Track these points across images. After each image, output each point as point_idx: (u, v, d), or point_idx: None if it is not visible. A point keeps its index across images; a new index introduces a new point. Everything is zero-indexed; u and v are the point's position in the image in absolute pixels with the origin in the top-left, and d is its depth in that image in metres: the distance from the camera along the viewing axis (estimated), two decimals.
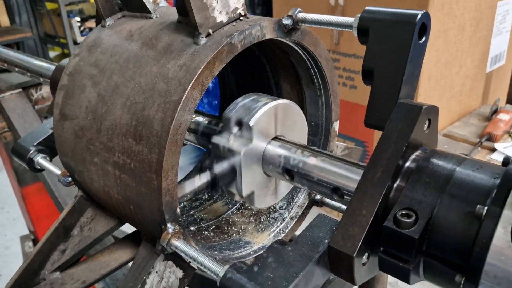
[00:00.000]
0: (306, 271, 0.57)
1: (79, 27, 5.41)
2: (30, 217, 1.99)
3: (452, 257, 0.53)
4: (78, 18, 5.40)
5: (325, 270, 0.60)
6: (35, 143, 1.03)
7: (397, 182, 0.60)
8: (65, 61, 1.25)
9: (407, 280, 0.57)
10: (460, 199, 0.54)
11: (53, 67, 1.33)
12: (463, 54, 2.51)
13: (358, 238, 0.56)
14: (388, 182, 0.59)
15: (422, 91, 2.29)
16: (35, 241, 2.07)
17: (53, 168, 0.97)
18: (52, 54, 6.62)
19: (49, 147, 1.04)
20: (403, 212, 0.56)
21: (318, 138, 0.98)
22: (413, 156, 0.63)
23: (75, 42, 5.32)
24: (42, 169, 1.01)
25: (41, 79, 1.43)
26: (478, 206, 0.51)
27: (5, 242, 3.28)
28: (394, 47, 0.64)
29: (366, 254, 0.58)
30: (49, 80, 1.43)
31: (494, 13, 2.62)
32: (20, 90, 1.78)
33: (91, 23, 5.54)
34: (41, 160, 1.00)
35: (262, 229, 0.97)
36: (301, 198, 0.99)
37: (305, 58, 0.88)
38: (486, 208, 0.50)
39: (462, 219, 0.52)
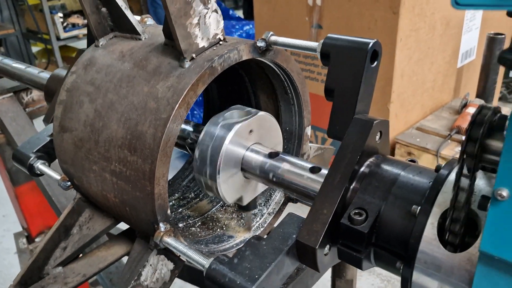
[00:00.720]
0: (277, 261, 0.68)
1: (62, 22, 5.41)
2: (23, 215, 2.07)
3: (395, 247, 0.65)
4: (60, 14, 5.41)
5: (294, 260, 0.71)
6: (34, 150, 1.12)
7: (353, 184, 0.72)
8: (58, 71, 1.34)
9: (360, 267, 0.69)
10: (401, 200, 0.66)
11: (47, 76, 1.42)
12: (434, 51, 2.65)
13: (320, 233, 0.68)
14: (346, 185, 0.70)
15: (396, 88, 2.43)
16: (28, 238, 2.15)
17: (52, 173, 1.06)
18: (34, 49, 6.60)
19: (47, 153, 1.13)
20: (356, 211, 0.67)
21: (292, 142, 1.10)
22: (367, 162, 0.75)
23: (58, 38, 5.33)
24: (41, 174, 1.11)
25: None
26: (413, 206, 0.63)
27: None
28: (350, 70, 0.75)
29: (328, 246, 0.70)
30: (34, 86, 1.52)
31: (464, 11, 2.76)
32: (11, 94, 1.85)
33: (74, 19, 5.55)
34: (40, 166, 1.09)
35: (243, 224, 1.09)
36: (278, 196, 1.10)
37: (278, 72, 0.99)
38: (419, 207, 0.62)
39: (402, 216, 0.64)
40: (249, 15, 5.26)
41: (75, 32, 5.52)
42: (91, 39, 1.00)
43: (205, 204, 1.16)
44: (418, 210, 0.62)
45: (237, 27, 3.85)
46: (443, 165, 0.66)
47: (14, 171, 1.99)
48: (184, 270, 1.20)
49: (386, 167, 0.73)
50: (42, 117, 1.99)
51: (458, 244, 0.59)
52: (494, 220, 0.49)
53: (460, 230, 0.57)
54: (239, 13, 6.58)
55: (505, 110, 0.56)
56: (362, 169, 0.73)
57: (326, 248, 0.70)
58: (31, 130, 1.83)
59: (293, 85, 1.01)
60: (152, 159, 0.76)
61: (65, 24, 5.47)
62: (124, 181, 0.82)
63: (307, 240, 0.68)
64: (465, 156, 0.54)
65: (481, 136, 0.52)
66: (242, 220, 1.10)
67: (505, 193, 0.48)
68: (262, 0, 2.96)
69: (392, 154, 2.61)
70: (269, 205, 1.11)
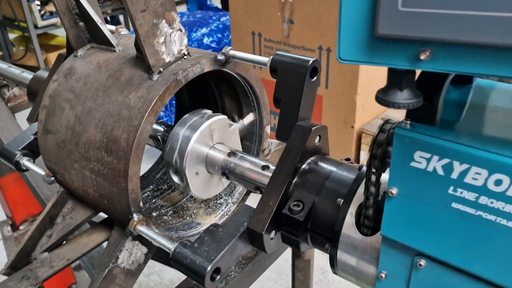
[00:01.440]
0: (231, 244, 0.82)
1: (39, 10, 5.39)
2: (7, 204, 2.17)
3: (325, 232, 0.79)
4: (38, 2, 5.38)
5: (246, 244, 0.86)
6: (20, 148, 1.23)
7: (295, 179, 0.86)
8: (40, 73, 1.44)
9: (298, 248, 0.83)
10: (331, 193, 0.80)
11: (29, 76, 1.52)
12: None
13: (266, 221, 0.82)
14: (288, 180, 0.84)
15: (362, 81, 2.57)
16: (13, 226, 2.26)
17: (37, 169, 1.18)
18: (11, 36, 6.55)
19: (32, 151, 1.25)
20: (295, 203, 0.82)
21: (254, 140, 1.23)
22: (308, 161, 0.89)
23: (36, 26, 5.32)
24: (27, 170, 1.22)
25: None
26: (338, 199, 0.77)
27: None
28: (293, 83, 0.89)
29: (273, 232, 0.84)
30: (17, 85, 1.61)
31: None
32: None
33: (52, 7, 5.52)
34: (26, 162, 1.21)
35: (210, 212, 1.23)
36: (241, 187, 1.24)
37: (239, 79, 1.11)
38: (342, 200, 0.77)
39: (331, 207, 0.79)
40: (227, 5, 5.33)
41: (53, 20, 5.50)
42: (70, 49, 1.11)
43: (176, 195, 1.29)
44: (341, 202, 0.76)
45: (214, 18, 3.94)
46: (364, 164, 0.80)
47: None
48: (162, 254, 1.34)
49: (322, 165, 0.87)
50: (23, 111, 2.09)
51: (371, 228, 0.74)
52: (388, 211, 0.64)
53: (371, 218, 0.72)
54: (217, 1, 6.63)
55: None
56: (303, 166, 0.87)
57: (272, 234, 0.84)
58: (13, 124, 1.93)
59: (252, 90, 1.15)
60: (125, 160, 0.89)
61: (42, 12, 5.45)
62: (102, 178, 0.95)
63: (256, 227, 0.82)
64: (371, 159, 0.68)
65: (382, 143, 0.66)
66: (209, 209, 1.24)
67: (394, 191, 0.62)
68: None
69: (359, 143, 2.78)
70: (233, 196, 1.25)
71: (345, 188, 0.80)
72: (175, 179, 1.04)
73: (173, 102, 3.66)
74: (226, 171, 1.01)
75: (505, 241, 0.54)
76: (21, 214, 2.25)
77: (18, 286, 1.06)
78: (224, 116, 1.06)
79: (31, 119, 1.34)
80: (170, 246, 0.86)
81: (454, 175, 0.55)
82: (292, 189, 0.85)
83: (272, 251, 0.88)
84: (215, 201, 1.25)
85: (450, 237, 0.59)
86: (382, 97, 0.51)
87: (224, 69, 1.03)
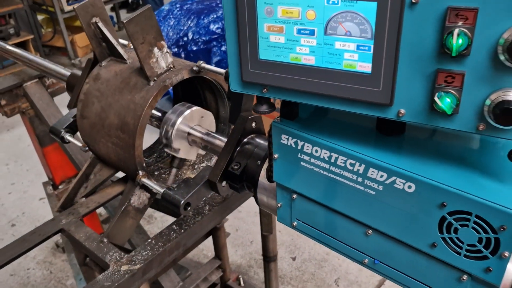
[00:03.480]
0: (197, 189, 1.34)
1: None
2: (49, 168, 2.75)
3: (251, 181, 1.30)
4: None
5: (208, 189, 1.37)
6: (63, 127, 1.77)
7: (238, 148, 1.37)
8: (75, 72, 1.97)
9: (239, 192, 1.35)
10: (256, 157, 1.31)
11: (65, 72, 2.04)
12: None
13: (219, 174, 1.33)
14: (233, 149, 1.35)
15: None
16: (54, 186, 2.84)
17: (76, 142, 1.71)
18: (40, 17, 7.11)
19: (72, 129, 1.78)
20: (235, 164, 1.32)
21: (226, 123, 1.74)
22: (249, 137, 1.39)
23: (62, 11, 5.85)
24: (69, 142, 1.76)
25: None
26: (258, 161, 1.28)
27: (23, 187, 4.05)
28: None
29: (224, 182, 1.35)
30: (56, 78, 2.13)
31: None
32: (37, 79, 2.48)
33: None
34: (68, 137, 1.74)
35: (195, 172, 1.75)
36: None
37: (212, 81, 1.61)
38: (260, 161, 1.27)
39: (255, 166, 1.30)
40: None
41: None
42: (96, 62, 1.62)
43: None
44: (259, 162, 1.27)
45: (220, 5, 4.38)
46: None
47: (41, 136, 2.65)
48: (160, 206, 1.88)
49: (257, 139, 1.37)
50: (61, 95, 2.64)
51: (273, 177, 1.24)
52: (275, 167, 1.14)
53: (272, 172, 1.22)
54: None
55: None
56: (244, 140, 1.38)
57: (223, 183, 1.35)
58: (53, 106, 2.47)
59: (223, 88, 1.65)
60: (133, 137, 1.41)
61: None
62: (119, 148, 1.48)
63: (212, 178, 1.34)
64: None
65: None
66: (194, 170, 1.76)
67: (276, 156, 1.12)
68: None
69: None
70: (211, 161, 1.77)
71: (264, 154, 1.30)
72: (167, 149, 1.57)
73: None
74: (199, 144, 1.53)
75: (325, 182, 1.04)
76: (59, 176, 2.83)
77: (67, 218, 1.62)
78: (199, 108, 1.57)
79: (70, 106, 1.87)
80: (160, 190, 1.39)
81: (299, 147, 1.05)
82: (236, 155, 1.36)
83: (224, 194, 1.39)
84: (199, 164, 1.78)
85: (304, 181, 1.09)
86: (254, 108, 1.01)
87: (200, 75, 1.52)
